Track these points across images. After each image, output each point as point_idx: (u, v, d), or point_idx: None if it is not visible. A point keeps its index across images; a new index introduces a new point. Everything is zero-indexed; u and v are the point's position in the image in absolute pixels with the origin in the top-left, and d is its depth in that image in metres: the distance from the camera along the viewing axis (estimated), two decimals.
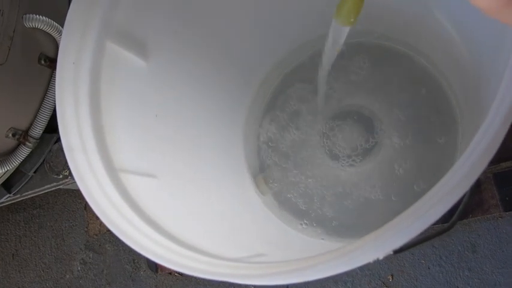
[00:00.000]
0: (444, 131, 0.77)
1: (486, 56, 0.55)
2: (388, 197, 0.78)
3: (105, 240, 1.18)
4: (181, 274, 1.09)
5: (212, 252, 0.44)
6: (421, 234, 0.38)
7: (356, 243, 0.34)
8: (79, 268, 1.20)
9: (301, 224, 0.81)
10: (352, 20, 0.50)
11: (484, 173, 0.77)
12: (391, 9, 0.74)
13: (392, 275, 0.88)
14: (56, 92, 0.49)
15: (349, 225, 0.80)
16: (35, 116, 0.92)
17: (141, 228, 0.45)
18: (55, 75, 0.92)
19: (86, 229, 1.21)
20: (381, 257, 0.37)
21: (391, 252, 0.38)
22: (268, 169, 0.88)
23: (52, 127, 0.96)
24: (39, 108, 0.92)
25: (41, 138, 0.94)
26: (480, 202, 0.81)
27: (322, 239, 0.78)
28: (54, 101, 0.93)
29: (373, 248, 0.34)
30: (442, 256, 0.85)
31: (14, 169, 0.96)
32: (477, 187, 0.79)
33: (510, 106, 0.30)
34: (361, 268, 0.91)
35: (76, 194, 1.24)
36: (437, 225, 0.76)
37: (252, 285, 1.09)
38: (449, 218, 0.73)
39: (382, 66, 0.84)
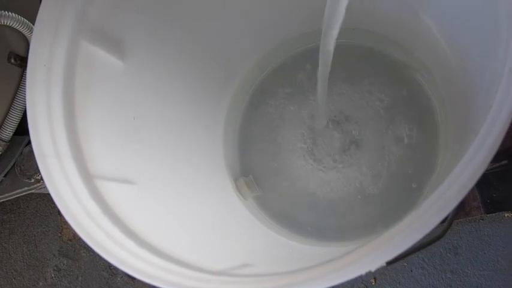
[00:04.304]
0: (426, 131, 0.77)
1: (472, 57, 0.55)
2: (370, 200, 0.77)
3: (80, 246, 1.13)
4: None
5: (195, 263, 0.42)
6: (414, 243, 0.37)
7: (349, 256, 0.33)
8: (53, 275, 1.15)
9: (284, 229, 0.80)
10: None
11: None
12: (375, 8, 0.73)
13: (375, 278, 0.87)
14: (27, 96, 0.46)
15: (331, 228, 0.79)
16: (5, 117, 0.88)
17: (119, 240, 0.42)
18: (26, 75, 0.88)
19: (59, 234, 1.16)
20: (373, 270, 0.36)
21: (384, 264, 0.37)
22: (249, 172, 0.86)
23: (23, 129, 0.92)
24: (8, 109, 0.88)
25: (11, 140, 0.90)
26: (462, 204, 0.81)
27: (306, 243, 0.77)
28: (25, 101, 0.89)
29: (367, 260, 0.33)
30: (424, 259, 0.84)
31: None
32: None
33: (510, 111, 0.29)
34: None
35: (49, 198, 1.19)
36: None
37: None
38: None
39: (362, 66, 0.83)
